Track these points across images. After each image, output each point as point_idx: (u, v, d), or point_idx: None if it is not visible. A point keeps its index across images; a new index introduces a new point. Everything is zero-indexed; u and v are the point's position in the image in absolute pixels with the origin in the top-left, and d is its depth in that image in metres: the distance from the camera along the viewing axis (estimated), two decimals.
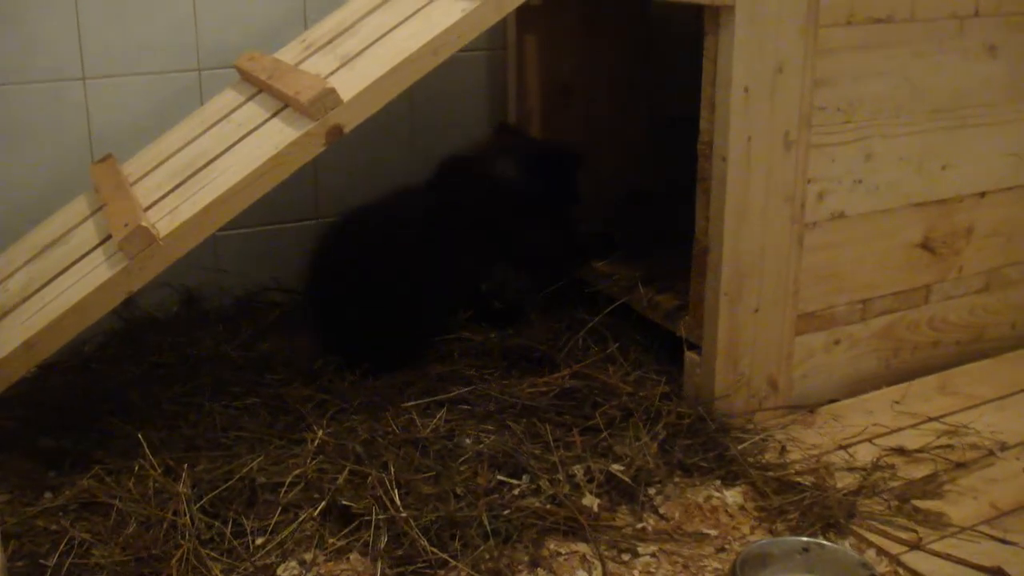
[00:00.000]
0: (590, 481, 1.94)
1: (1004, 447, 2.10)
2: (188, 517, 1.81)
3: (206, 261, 2.66)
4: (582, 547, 1.81)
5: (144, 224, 1.92)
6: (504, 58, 2.92)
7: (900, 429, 2.16)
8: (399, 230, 2.38)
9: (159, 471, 1.93)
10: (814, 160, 2.15)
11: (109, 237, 2.04)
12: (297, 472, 1.92)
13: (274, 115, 2.15)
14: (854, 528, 1.85)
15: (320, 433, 2.04)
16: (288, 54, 2.46)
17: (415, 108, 2.88)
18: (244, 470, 1.93)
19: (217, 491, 1.88)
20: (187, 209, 1.97)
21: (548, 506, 1.87)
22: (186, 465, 1.94)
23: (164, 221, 1.98)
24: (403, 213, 2.43)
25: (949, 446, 2.09)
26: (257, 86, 2.36)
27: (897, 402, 2.27)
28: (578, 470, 1.96)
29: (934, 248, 2.36)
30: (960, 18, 2.24)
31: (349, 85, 2.02)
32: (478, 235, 2.45)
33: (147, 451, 1.96)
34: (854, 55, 2.14)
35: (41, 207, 2.43)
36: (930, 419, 2.20)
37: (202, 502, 1.86)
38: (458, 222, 2.43)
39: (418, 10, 2.22)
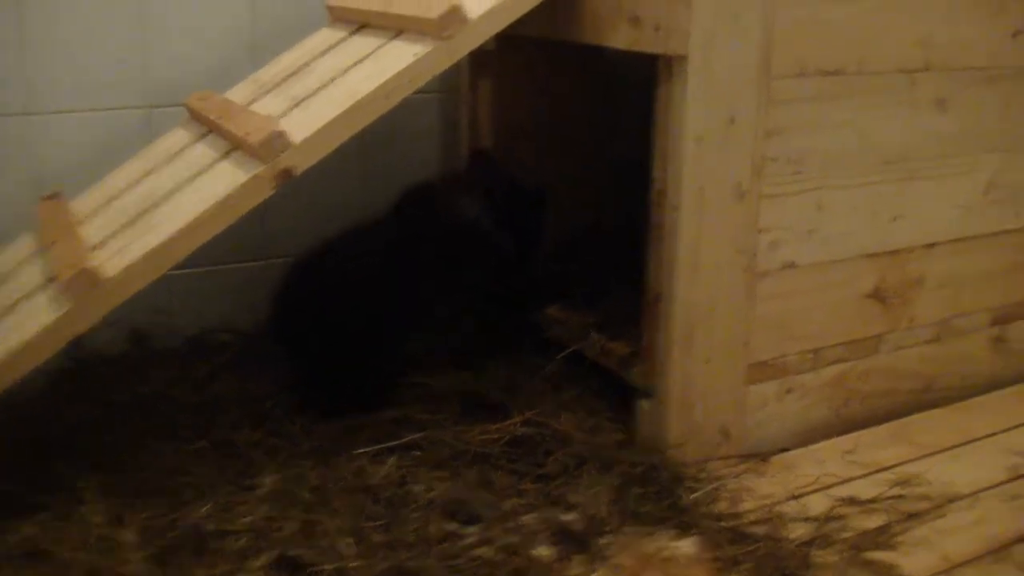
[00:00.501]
0: (543, 530, 1.92)
1: (956, 498, 2.10)
2: (135, 566, 1.77)
3: (157, 300, 2.62)
4: None
5: (88, 267, 1.89)
6: (458, 100, 2.91)
7: (852, 479, 2.17)
8: (356, 267, 2.34)
9: (105, 518, 1.89)
10: (766, 210, 2.16)
11: (55, 278, 2.01)
12: (246, 520, 1.89)
13: (224, 156, 2.13)
14: None
15: (270, 480, 2.00)
16: (240, 93, 2.44)
17: (366, 149, 2.86)
18: (193, 517, 1.89)
19: (165, 539, 1.84)
20: (135, 251, 1.94)
21: (500, 556, 1.85)
22: (133, 512, 1.90)
23: (112, 262, 1.95)
24: (362, 249, 2.39)
25: (901, 496, 2.09)
26: (207, 126, 2.33)
27: (849, 451, 2.27)
28: (530, 519, 1.95)
29: (885, 298, 2.37)
30: (909, 72, 2.27)
31: (300, 127, 2.00)
32: (436, 273, 2.41)
33: (93, 497, 1.92)
34: (805, 107, 2.16)
35: None
36: (882, 469, 2.20)
37: (149, 550, 1.81)
38: (417, 259, 2.39)
39: (370, 53, 2.21)
